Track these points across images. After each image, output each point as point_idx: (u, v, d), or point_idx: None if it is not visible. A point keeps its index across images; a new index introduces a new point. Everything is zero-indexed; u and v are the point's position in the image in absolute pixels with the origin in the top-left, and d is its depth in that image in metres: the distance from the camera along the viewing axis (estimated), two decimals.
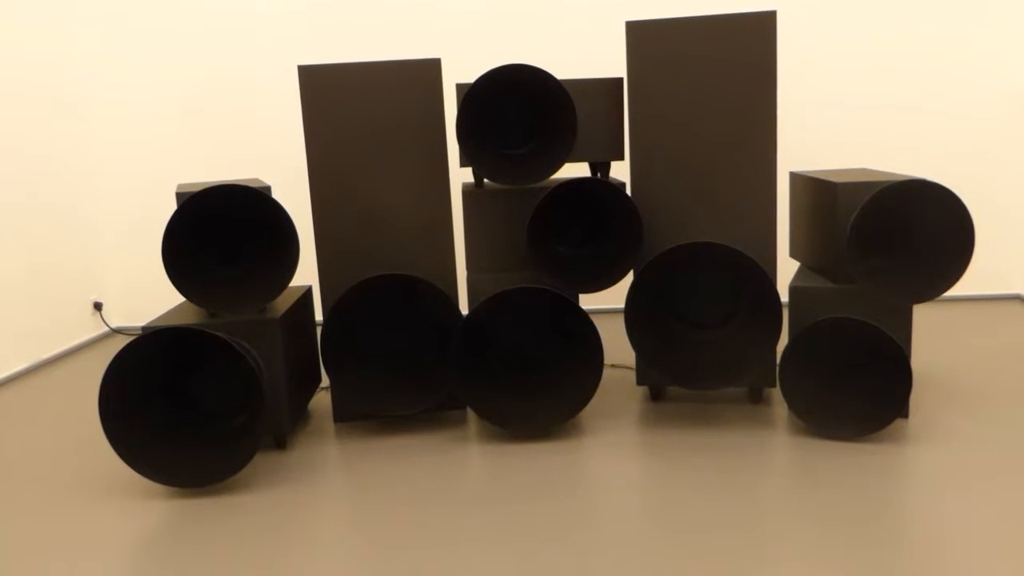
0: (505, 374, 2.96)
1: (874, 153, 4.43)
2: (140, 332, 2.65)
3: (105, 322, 4.66)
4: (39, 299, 4.14)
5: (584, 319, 2.79)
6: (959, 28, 4.34)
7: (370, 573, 2.10)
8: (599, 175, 3.21)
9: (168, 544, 2.30)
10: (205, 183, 3.13)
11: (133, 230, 4.68)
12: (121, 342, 4.52)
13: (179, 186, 3.15)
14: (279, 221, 2.66)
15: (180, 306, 3.04)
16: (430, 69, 2.95)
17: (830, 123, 4.43)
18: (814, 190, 3.04)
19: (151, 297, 4.68)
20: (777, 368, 2.79)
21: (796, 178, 3.28)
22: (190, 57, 4.53)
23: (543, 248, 2.91)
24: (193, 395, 2.73)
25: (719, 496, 2.42)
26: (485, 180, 3.16)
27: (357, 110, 2.94)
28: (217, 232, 2.75)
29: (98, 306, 4.60)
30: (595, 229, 3.03)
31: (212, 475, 2.56)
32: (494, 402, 2.88)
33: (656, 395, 3.20)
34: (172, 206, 4.62)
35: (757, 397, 3.10)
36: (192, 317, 2.82)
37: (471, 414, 3.16)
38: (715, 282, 2.90)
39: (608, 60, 4.30)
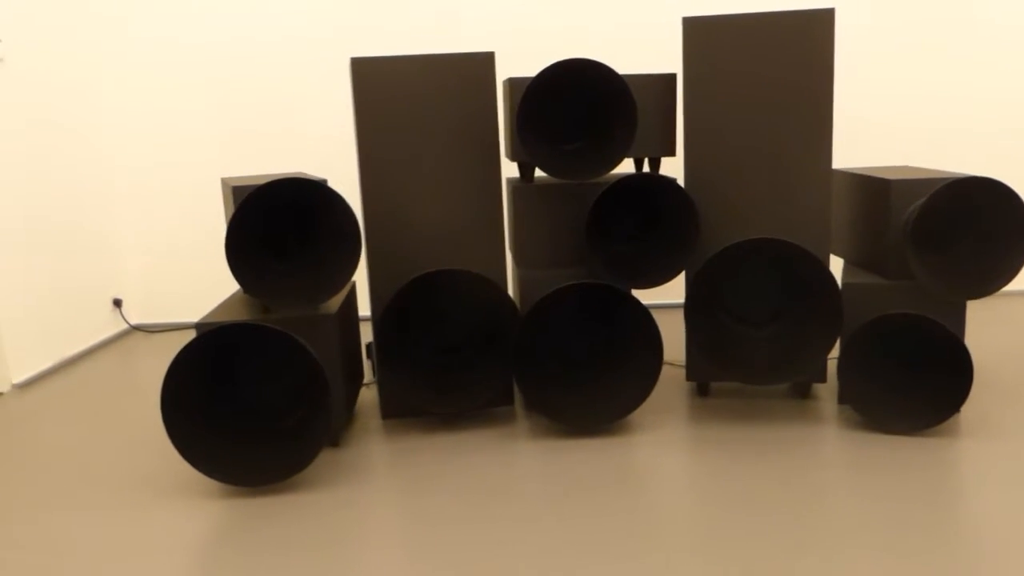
0: (562, 370, 2.94)
1: (897, 149, 4.47)
2: (195, 328, 2.61)
3: (125, 319, 4.58)
4: (60, 297, 4.06)
5: (646, 316, 2.78)
6: (997, 18, 4.38)
7: (432, 572, 2.08)
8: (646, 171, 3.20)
9: (228, 545, 2.25)
10: (249, 177, 3.09)
11: (152, 227, 4.60)
12: (141, 339, 4.45)
13: (224, 180, 3.10)
14: (342, 214, 2.62)
15: (228, 302, 3.00)
16: (483, 63, 2.93)
17: (850, 121, 4.47)
18: (863, 187, 3.05)
19: (169, 294, 4.63)
20: (838, 362, 2.80)
21: (839, 175, 3.30)
22: (210, 54, 4.47)
23: (601, 244, 2.89)
24: (244, 392, 2.68)
25: (774, 491, 2.42)
26: (534, 175, 3.14)
27: (409, 104, 2.91)
28: (275, 226, 2.70)
29: (118, 303, 4.52)
30: (646, 225, 3.02)
31: (276, 473, 2.52)
32: (550, 398, 2.87)
33: (703, 391, 3.20)
34: (190, 202, 4.56)
35: (805, 392, 3.12)
36: (243, 313, 2.78)
37: (519, 410, 3.15)
38: (773, 277, 2.90)
39: (649, 56, 4.30)
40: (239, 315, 2.75)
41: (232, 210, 2.76)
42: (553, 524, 2.29)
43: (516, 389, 3.30)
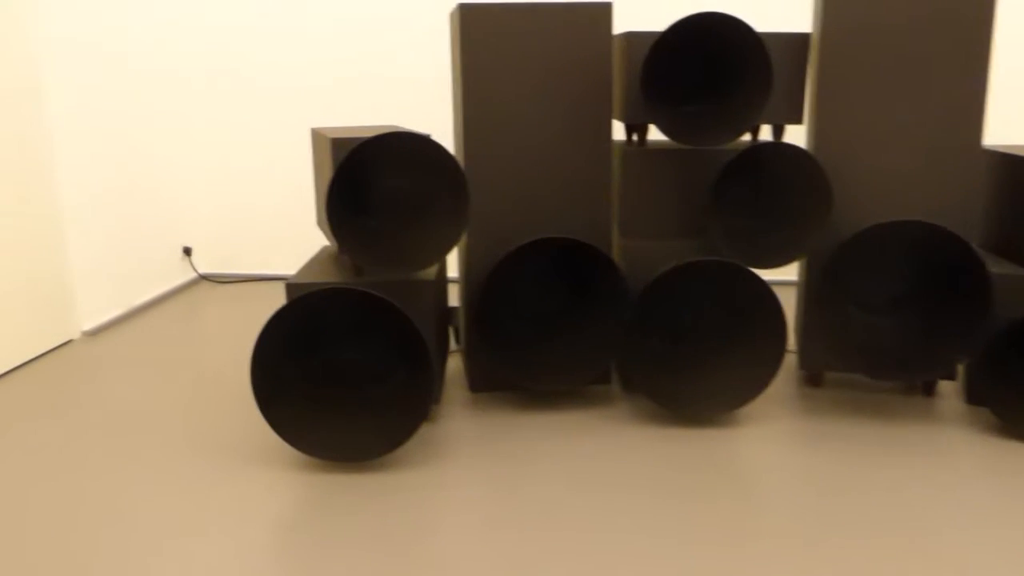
0: (671, 351, 2.73)
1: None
2: (285, 289, 2.44)
3: (194, 268, 4.45)
4: (131, 243, 3.92)
5: (771, 298, 2.56)
6: None
7: (533, 560, 1.90)
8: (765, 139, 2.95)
9: (308, 526, 2.10)
10: (345, 128, 2.90)
11: (221, 175, 4.44)
12: (209, 289, 4.32)
13: (316, 131, 2.91)
14: (450, 173, 2.42)
15: (316, 261, 2.82)
16: (600, 15, 2.69)
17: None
18: (1011, 167, 2.78)
19: (236, 244, 4.48)
20: (981, 361, 2.56)
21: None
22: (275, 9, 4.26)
23: (723, 217, 2.66)
24: (337, 362, 2.50)
25: (899, 496, 2.20)
26: (646, 138, 2.90)
27: (518, 56, 2.69)
28: (374, 182, 2.51)
29: (187, 251, 4.38)
30: (765, 199, 2.78)
31: (373, 448, 2.35)
32: (657, 381, 2.67)
33: (816, 381, 2.98)
34: (260, 153, 4.38)
35: (930, 389, 2.88)
36: (333, 273, 2.60)
37: (617, 390, 2.95)
38: (907, 262, 2.65)
39: (768, 11, 4.02)
40: (329, 276, 2.57)
41: (325, 163, 2.57)
42: (662, 522, 2.09)
43: (616, 367, 3.10)
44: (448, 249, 2.40)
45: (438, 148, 2.40)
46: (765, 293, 2.57)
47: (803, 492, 2.24)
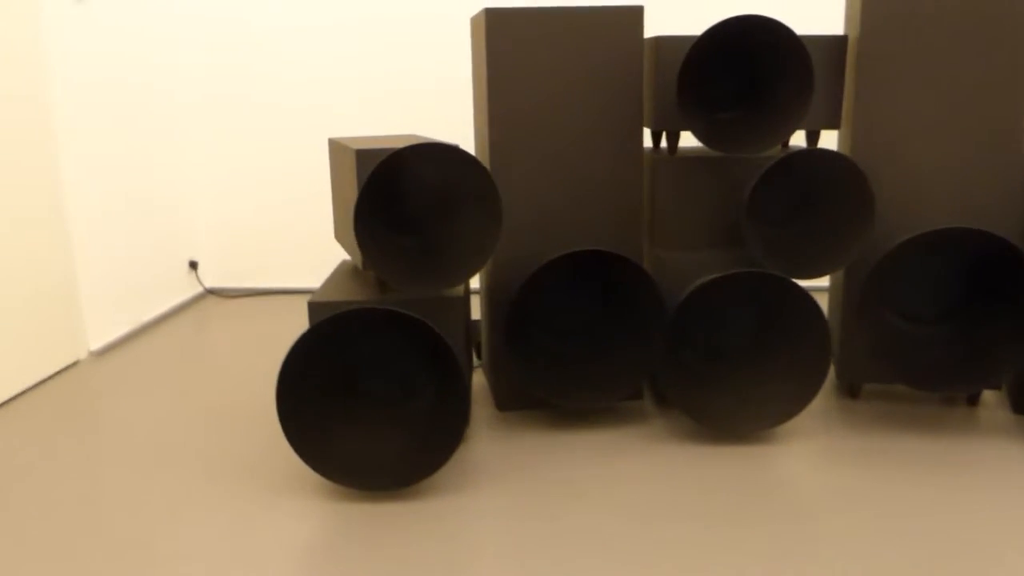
0: (709, 366, 2.64)
1: None
2: (310, 305, 2.33)
3: (200, 282, 4.33)
4: (137, 259, 3.80)
5: (815, 309, 2.47)
6: None
7: None
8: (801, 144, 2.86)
9: (339, 553, 1.99)
10: (366, 139, 2.79)
11: (226, 188, 4.33)
12: (216, 304, 4.20)
13: (334, 141, 2.81)
14: (483, 185, 2.31)
15: (337, 277, 2.71)
16: (631, 18, 2.59)
17: None
18: None
19: (243, 257, 4.37)
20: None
21: None
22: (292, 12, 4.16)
23: (760, 226, 2.57)
24: (364, 384, 2.40)
25: (954, 516, 2.11)
26: (668, 146, 2.81)
27: (547, 61, 2.59)
28: (398, 195, 2.40)
29: (194, 265, 4.26)
30: (801, 206, 2.69)
31: (407, 474, 2.24)
32: (695, 397, 2.57)
33: (854, 392, 2.89)
34: (265, 164, 4.27)
35: (974, 399, 2.79)
36: (356, 290, 2.49)
37: (650, 405, 2.85)
38: (952, 270, 2.57)
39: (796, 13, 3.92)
40: (353, 293, 2.46)
41: (346, 175, 2.47)
42: (711, 550, 1.99)
43: (648, 382, 3.00)
44: (481, 265, 2.29)
45: (470, 159, 2.30)
46: (809, 306, 2.47)
47: (856, 514, 2.15)
